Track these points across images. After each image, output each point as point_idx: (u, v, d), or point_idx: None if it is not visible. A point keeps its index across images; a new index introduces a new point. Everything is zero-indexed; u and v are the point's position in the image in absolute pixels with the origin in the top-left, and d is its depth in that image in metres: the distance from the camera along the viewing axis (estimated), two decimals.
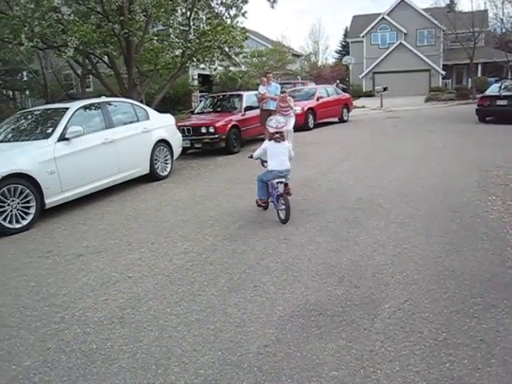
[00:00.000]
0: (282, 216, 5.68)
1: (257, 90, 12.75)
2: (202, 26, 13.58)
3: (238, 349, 3.05)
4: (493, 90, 15.86)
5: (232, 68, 23.87)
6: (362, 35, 41.00)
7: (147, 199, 7.63)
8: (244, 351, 3.02)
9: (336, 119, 18.34)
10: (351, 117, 19.49)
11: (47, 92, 20.29)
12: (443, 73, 38.07)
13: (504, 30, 36.26)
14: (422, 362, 2.77)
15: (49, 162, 6.67)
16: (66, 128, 7.12)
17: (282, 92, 11.84)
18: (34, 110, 8.51)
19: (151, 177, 8.96)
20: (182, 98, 23.06)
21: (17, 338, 3.41)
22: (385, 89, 28.28)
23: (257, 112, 12.47)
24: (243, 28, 13.62)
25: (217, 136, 11.55)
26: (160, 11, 12.01)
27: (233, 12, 13.15)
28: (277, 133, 5.82)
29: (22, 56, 16.54)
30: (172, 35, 13.55)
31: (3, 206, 6.01)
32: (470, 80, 33.64)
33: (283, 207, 5.65)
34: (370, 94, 37.24)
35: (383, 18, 40.13)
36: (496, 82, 18.96)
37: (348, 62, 34.42)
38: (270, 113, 10.18)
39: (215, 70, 15.10)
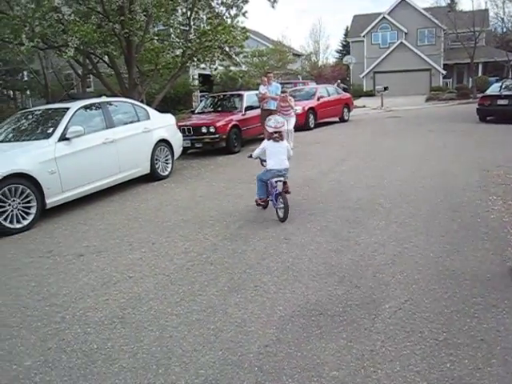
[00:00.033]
0: (281, 214, 5.73)
1: (257, 89, 12.76)
2: (202, 25, 13.57)
3: (239, 349, 3.05)
4: (493, 89, 15.85)
5: (232, 68, 23.89)
6: (362, 35, 40.99)
7: (148, 199, 7.63)
8: (245, 351, 3.02)
9: (337, 119, 18.34)
10: (352, 116, 19.49)
11: (48, 92, 20.29)
12: (444, 72, 38.04)
13: (505, 30, 36.32)
14: (423, 362, 2.77)
15: (49, 161, 6.68)
16: (66, 128, 7.13)
17: (282, 92, 11.85)
18: (35, 110, 8.51)
19: (152, 177, 8.96)
20: (182, 97, 23.08)
21: (18, 338, 3.42)
22: (385, 88, 28.24)
23: (257, 112, 12.48)
24: (244, 28, 13.62)
25: (217, 136, 11.56)
26: (160, 11, 12.01)
27: (233, 12, 13.15)
28: (275, 132, 5.87)
29: (23, 56, 16.54)
30: (172, 35, 13.55)
31: (4, 206, 6.02)
32: (470, 79, 33.62)
33: (282, 206, 5.70)
34: (370, 94, 37.22)
35: (384, 17, 40.12)
36: (497, 81, 18.96)
37: (349, 61, 34.44)
38: (270, 112, 10.19)
39: (216, 69, 15.11)
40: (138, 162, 8.51)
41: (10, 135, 7.64)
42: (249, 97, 13.24)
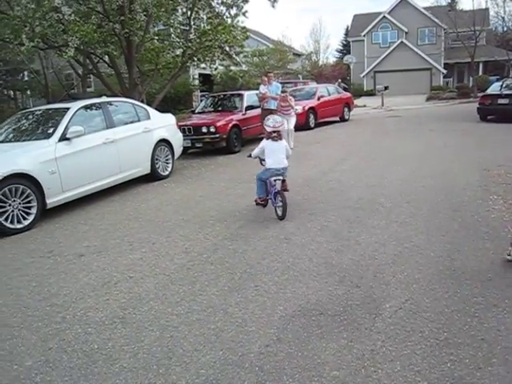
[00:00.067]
0: (279, 213, 5.80)
1: (257, 89, 12.75)
2: (202, 25, 13.57)
3: (240, 348, 3.05)
4: (494, 88, 15.83)
5: (233, 67, 23.86)
6: (363, 34, 40.97)
7: (148, 199, 7.63)
8: (245, 351, 3.02)
9: (337, 118, 18.33)
10: (352, 116, 19.48)
11: (48, 92, 20.32)
12: (444, 71, 38.03)
13: (505, 29, 36.28)
14: (424, 362, 2.77)
15: (50, 162, 6.68)
16: (67, 128, 7.13)
17: (282, 91, 11.86)
18: (35, 110, 8.52)
19: (152, 176, 8.96)
20: (182, 97, 23.09)
21: (18, 338, 3.42)
22: (386, 88, 28.23)
23: (258, 111, 12.47)
24: (244, 27, 13.62)
25: (218, 135, 11.56)
26: (160, 11, 12.01)
27: (233, 11, 13.16)
28: (274, 132, 5.95)
29: (23, 56, 16.55)
30: (173, 35, 13.56)
31: (4, 207, 6.02)
32: (471, 79, 33.61)
33: (280, 204, 5.78)
34: (371, 93, 37.23)
35: (384, 16, 40.11)
36: (497, 80, 18.95)
37: (349, 61, 34.40)
38: (271, 112, 10.17)
39: (216, 69, 15.11)
40: (138, 162, 8.51)
41: (11, 135, 7.65)
42: (249, 96, 13.24)
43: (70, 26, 10.25)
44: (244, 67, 27.62)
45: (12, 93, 23.98)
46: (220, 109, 13.52)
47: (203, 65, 14.52)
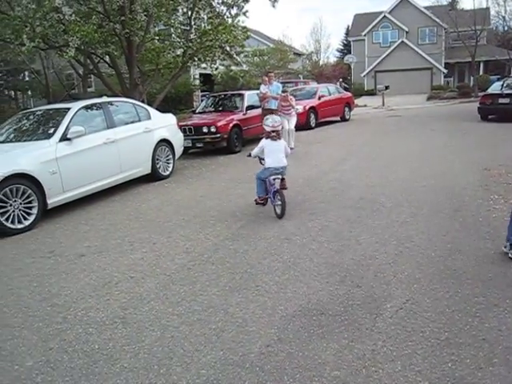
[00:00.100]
0: (278, 211, 5.85)
1: (258, 89, 12.75)
2: (203, 25, 13.57)
3: (240, 349, 3.05)
4: (495, 88, 15.81)
5: (233, 67, 23.86)
6: (363, 34, 40.95)
7: (149, 199, 7.63)
8: (246, 351, 3.02)
9: (338, 118, 18.32)
10: (353, 115, 19.48)
11: (49, 92, 20.35)
12: (445, 71, 38.01)
13: (506, 28, 36.24)
14: (424, 362, 2.77)
15: (51, 162, 6.69)
16: (67, 128, 7.13)
17: (283, 91, 11.85)
18: (36, 111, 8.53)
19: (153, 176, 8.96)
20: (183, 97, 23.10)
21: (19, 339, 3.42)
22: (386, 87, 28.25)
23: (258, 111, 12.47)
24: (244, 27, 13.60)
25: (218, 135, 11.56)
26: (161, 11, 12.02)
27: (234, 11, 13.14)
28: (273, 131, 6.01)
29: (24, 56, 16.56)
30: (173, 35, 13.56)
31: (5, 207, 6.02)
32: (471, 78, 33.60)
33: (279, 203, 5.83)
34: (371, 93, 37.19)
35: (385, 16, 40.09)
36: (498, 80, 18.89)
37: (350, 60, 34.39)
38: (271, 112, 10.16)
39: (216, 69, 15.11)
40: (139, 162, 8.52)
41: (12, 135, 7.65)
42: (250, 96, 13.23)
43: (71, 26, 10.25)
44: (245, 67, 27.63)
45: (13, 93, 24.01)
46: (221, 109, 13.52)
47: (204, 65, 14.53)
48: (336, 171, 8.60)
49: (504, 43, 34.58)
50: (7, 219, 6.05)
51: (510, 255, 4.16)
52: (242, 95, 13.39)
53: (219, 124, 11.63)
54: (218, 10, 13.34)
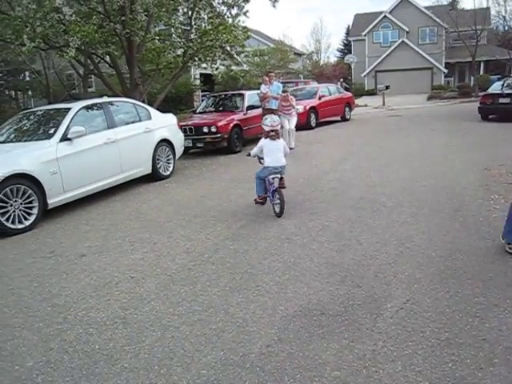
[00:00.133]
0: (277, 210, 5.91)
1: (259, 89, 12.75)
2: (203, 25, 13.56)
3: (241, 349, 3.05)
4: (495, 88, 15.80)
5: (234, 67, 23.85)
6: (364, 34, 40.96)
7: (149, 199, 7.64)
8: (246, 351, 3.02)
9: (338, 118, 18.31)
10: (353, 115, 19.47)
11: (49, 92, 20.35)
12: (445, 71, 38.01)
13: (506, 28, 36.10)
14: (425, 362, 2.77)
15: (51, 162, 6.69)
16: (68, 128, 7.13)
17: (283, 91, 11.86)
18: (37, 111, 8.54)
19: (153, 176, 8.96)
20: (183, 97, 23.11)
21: (20, 339, 3.42)
22: (387, 87, 28.25)
23: (259, 111, 12.46)
24: (245, 27, 13.61)
25: (219, 135, 11.56)
26: (161, 11, 12.02)
27: (234, 11, 13.14)
28: (272, 131, 6.08)
29: (24, 56, 16.57)
30: (174, 35, 13.56)
31: (6, 207, 6.02)
32: (472, 78, 33.60)
33: (278, 202, 5.89)
34: (372, 93, 37.20)
35: (385, 16, 40.09)
36: (498, 79, 18.88)
37: (350, 60, 34.41)
38: (272, 112, 10.15)
39: (217, 69, 15.10)
40: (139, 162, 8.52)
41: (12, 136, 7.65)
42: (250, 96, 13.22)
43: (71, 27, 10.26)
44: (245, 67, 27.62)
45: (13, 93, 24.02)
46: (221, 109, 13.51)
47: (204, 65, 14.53)
48: (336, 171, 8.60)
49: (504, 43, 34.55)
50: (8, 219, 6.05)
51: (507, 248, 4.29)
52: (242, 95, 13.39)
53: (220, 124, 11.63)
54: (218, 9, 13.34)
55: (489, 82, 26.78)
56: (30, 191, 6.31)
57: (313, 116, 16.17)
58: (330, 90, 18.21)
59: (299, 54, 43.93)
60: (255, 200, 6.42)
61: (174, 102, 21.17)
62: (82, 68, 15.91)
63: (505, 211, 5.35)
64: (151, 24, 12.44)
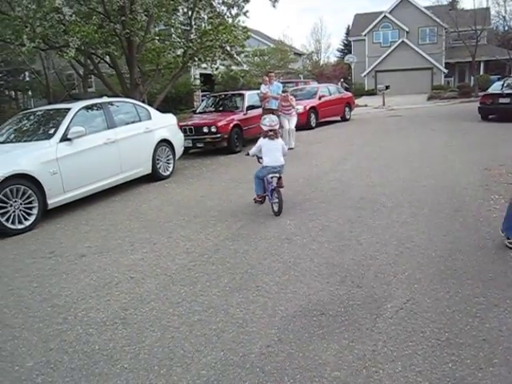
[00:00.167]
0: (276, 209, 5.97)
1: (259, 89, 12.75)
2: (203, 25, 13.57)
3: (241, 349, 3.05)
4: (495, 88, 15.80)
5: (234, 67, 23.83)
6: (364, 34, 40.97)
7: (149, 199, 7.63)
8: (246, 351, 3.02)
9: (338, 118, 18.32)
10: (353, 115, 19.48)
11: (49, 92, 20.35)
12: (445, 71, 38.01)
13: (506, 28, 36.17)
14: (425, 362, 2.77)
15: (51, 162, 6.69)
16: (68, 128, 7.13)
17: (283, 91, 11.87)
18: (36, 111, 8.53)
19: (153, 177, 8.96)
20: (183, 97, 23.11)
21: (19, 339, 3.42)
22: (387, 87, 28.26)
23: (259, 111, 12.45)
24: (245, 27, 13.61)
25: (219, 135, 11.56)
26: (161, 11, 12.01)
27: (234, 11, 13.14)
28: (270, 130, 6.14)
29: (24, 56, 16.55)
30: (174, 35, 13.55)
31: (6, 207, 6.02)
32: (472, 78, 33.60)
33: (276, 201, 5.95)
34: (372, 93, 37.22)
35: (385, 16, 40.10)
36: (498, 79, 18.87)
37: (350, 60, 34.41)
38: (272, 112, 10.15)
39: (217, 69, 15.10)
40: (139, 162, 8.52)
41: (12, 136, 7.65)
42: (250, 96, 13.23)
43: (71, 27, 10.25)
44: (245, 67, 27.61)
45: (13, 93, 24.02)
46: (221, 109, 13.52)
47: (204, 65, 14.52)
48: (336, 171, 8.59)
49: (504, 43, 34.56)
50: (7, 220, 6.05)
51: (506, 243, 4.38)
52: (242, 95, 13.40)
53: (220, 124, 11.64)
54: (218, 9, 13.34)
55: (489, 82, 26.77)
56: (30, 191, 6.30)
57: (313, 116, 16.18)
58: (329, 90, 18.22)
59: (299, 54, 43.93)
60: (254, 199, 6.45)
61: (174, 102, 21.17)
62: (81, 68, 15.91)
63: (505, 211, 5.37)
64: (151, 24, 12.43)
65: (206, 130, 11.61)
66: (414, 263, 4.20)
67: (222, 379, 2.77)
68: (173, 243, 5.27)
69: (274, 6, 13.23)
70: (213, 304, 3.71)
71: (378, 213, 5.80)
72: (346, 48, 53.15)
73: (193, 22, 13.14)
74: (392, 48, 39.09)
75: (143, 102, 11.43)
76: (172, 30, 13.46)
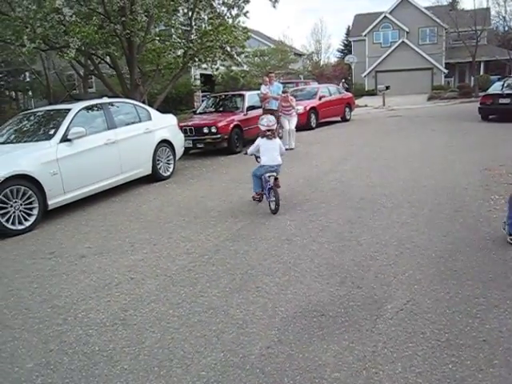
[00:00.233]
0: (273, 207, 6.11)
1: (259, 89, 12.75)
2: (203, 25, 13.57)
3: (241, 350, 3.05)
4: (495, 88, 15.79)
5: (234, 68, 23.84)
6: (364, 34, 40.98)
7: (149, 200, 7.63)
8: (246, 352, 3.02)
9: (338, 118, 18.32)
10: (354, 115, 19.48)
11: (50, 93, 20.35)
12: (445, 71, 38.02)
13: (506, 28, 36.12)
14: (425, 363, 2.76)
15: (51, 163, 6.68)
16: (68, 129, 7.13)
17: (283, 92, 11.87)
18: (37, 111, 8.54)
19: (154, 177, 8.96)
20: (184, 97, 23.12)
21: (19, 340, 3.42)
22: (387, 87, 28.25)
23: (259, 112, 12.43)
24: (245, 28, 13.61)
25: (219, 136, 11.56)
26: (162, 11, 12.02)
27: (234, 12, 13.14)
28: (268, 130, 6.28)
29: (25, 57, 16.55)
30: (174, 35, 13.56)
31: (6, 208, 6.02)
32: (472, 78, 33.60)
33: (273, 199, 6.09)
34: (372, 93, 37.25)
35: (385, 16, 40.11)
36: (498, 80, 18.86)
37: (350, 60, 34.42)
38: (272, 112, 10.16)
39: (217, 69, 15.11)
40: (139, 163, 8.52)
41: (12, 136, 7.65)
42: (250, 97, 13.23)
43: (72, 27, 10.26)
44: (245, 67, 27.60)
45: (14, 94, 24.03)
46: (221, 109, 13.53)
47: (204, 65, 14.51)
48: (336, 171, 8.59)
49: (504, 43, 34.55)
50: (8, 220, 6.05)
51: (508, 239, 4.42)
52: (242, 96, 13.40)
53: (220, 124, 11.64)
54: (218, 10, 13.34)
55: (489, 82, 26.78)
56: (30, 192, 6.30)
57: (313, 116, 16.19)
58: (330, 91, 18.23)
59: (299, 55, 43.94)
60: (253, 197, 6.55)
61: (175, 103, 21.18)
62: (82, 69, 15.92)
63: (505, 212, 5.37)
64: (151, 25, 12.44)
65: (206, 130, 11.61)
66: (414, 264, 4.20)
67: (221, 380, 2.77)
68: (173, 244, 5.27)
69: (274, 7, 13.24)
70: (213, 305, 3.71)
71: (378, 213, 5.80)
72: (347, 48, 53.14)
73: (193, 23, 13.14)
74: (392, 48, 39.10)
75: (143, 102, 11.44)
76: (172, 30, 13.48)
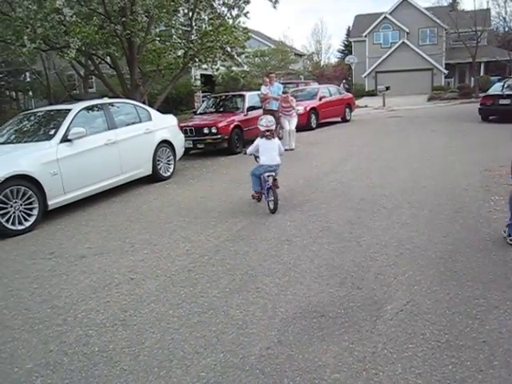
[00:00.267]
0: (271, 206, 6.17)
1: (259, 90, 12.76)
2: (204, 26, 13.56)
3: (240, 351, 3.05)
4: (495, 89, 15.80)
5: (234, 68, 23.85)
6: (364, 34, 40.99)
7: (150, 200, 7.63)
8: (246, 353, 3.02)
9: (339, 119, 18.32)
10: (354, 116, 19.49)
11: (50, 93, 20.35)
12: (446, 72, 38.02)
13: (507, 29, 36.06)
14: (425, 364, 2.76)
15: (51, 163, 6.69)
16: (68, 129, 7.13)
17: (284, 92, 11.87)
18: (37, 112, 8.54)
19: (154, 178, 8.96)
20: (184, 98, 23.12)
21: (19, 341, 3.42)
22: (387, 88, 28.25)
23: (259, 112, 12.41)
24: (245, 28, 13.62)
25: (219, 136, 11.56)
26: (162, 12, 12.02)
27: (235, 12, 13.14)
28: (267, 131, 6.34)
29: (25, 57, 16.56)
30: (174, 36, 13.57)
31: (6, 208, 6.02)
32: (472, 79, 33.61)
33: (272, 199, 6.16)
34: (372, 94, 37.25)
35: (385, 17, 40.12)
36: (499, 80, 18.85)
37: (350, 61, 34.46)
38: (272, 113, 10.18)
39: (217, 70, 15.11)
40: (139, 163, 8.52)
41: (13, 137, 7.65)
42: (250, 97, 13.24)
43: (72, 28, 10.26)
44: (245, 68, 27.60)
45: (14, 94, 24.03)
46: (222, 110, 13.54)
47: (205, 65, 14.52)
48: (337, 172, 8.59)
49: (504, 44, 34.51)
50: (8, 220, 6.05)
51: (508, 241, 4.43)
52: (242, 96, 13.41)
53: (220, 125, 11.64)
54: (218, 10, 13.35)
55: (489, 83, 26.78)
56: (30, 192, 6.30)
57: (313, 117, 16.20)
58: (330, 91, 18.23)
59: (300, 55, 43.93)
60: (252, 196, 6.60)
61: (175, 103, 21.19)
62: (82, 69, 15.91)
63: (505, 212, 5.36)
64: (152, 25, 12.43)
65: (206, 130, 11.62)
66: (414, 265, 4.19)
67: (221, 381, 2.77)
68: (173, 244, 5.27)
69: (274, 7, 13.24)
70: (213, 305, 3.71)
71: (378, 214, 5.80)
72: (347, 49, 53.14)
73: (193, 23, 13.14)
74: (392, 49, 39.12)
75: (144, 102, 11.44)
76: (173, 30, 13.48)
